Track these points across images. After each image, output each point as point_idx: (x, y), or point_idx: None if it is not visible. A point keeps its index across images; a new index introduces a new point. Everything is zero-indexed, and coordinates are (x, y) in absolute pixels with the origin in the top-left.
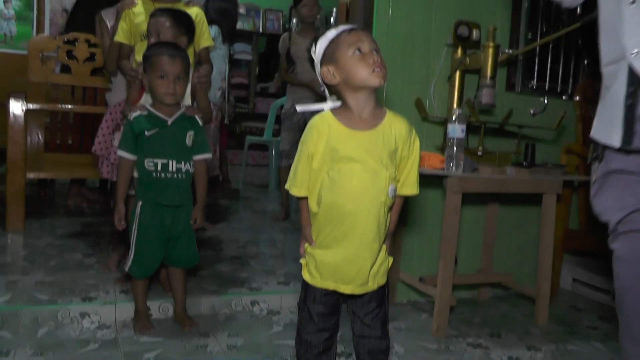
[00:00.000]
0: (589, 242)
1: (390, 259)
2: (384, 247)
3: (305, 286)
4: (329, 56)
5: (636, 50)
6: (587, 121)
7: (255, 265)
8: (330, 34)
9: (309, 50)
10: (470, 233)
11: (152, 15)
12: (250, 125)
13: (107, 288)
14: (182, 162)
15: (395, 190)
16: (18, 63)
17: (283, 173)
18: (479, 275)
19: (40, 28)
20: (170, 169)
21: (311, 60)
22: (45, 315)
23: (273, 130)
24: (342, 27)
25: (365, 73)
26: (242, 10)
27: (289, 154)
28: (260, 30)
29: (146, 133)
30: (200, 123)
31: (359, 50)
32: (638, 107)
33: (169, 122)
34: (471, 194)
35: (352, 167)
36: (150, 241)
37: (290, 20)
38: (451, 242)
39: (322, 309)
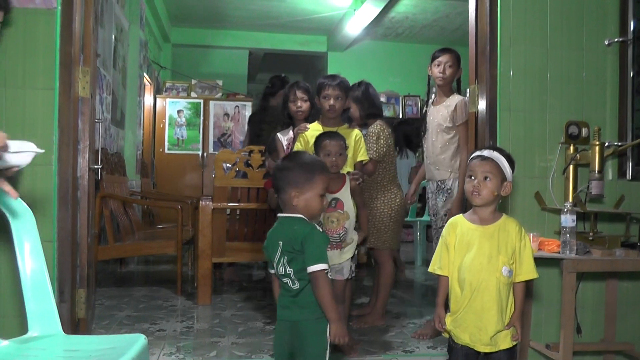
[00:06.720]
0: None
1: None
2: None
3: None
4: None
5: None
6: None
7: (407, 333)
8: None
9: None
10: (593, 306)
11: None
12: None
13: None
14: None
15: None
16: (188, 162)
17: None
18: (600, 344)
19: (206, 131)
20: None
21: None
22: None
23: (417, 209)
24: None
25: None
26: (383, 99)
27: None
28: (400, 115)
29: None
30: None
31: None
32: None
33: None
34: (590, 272)
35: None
36: None
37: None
38: (569, 314)
39: None
